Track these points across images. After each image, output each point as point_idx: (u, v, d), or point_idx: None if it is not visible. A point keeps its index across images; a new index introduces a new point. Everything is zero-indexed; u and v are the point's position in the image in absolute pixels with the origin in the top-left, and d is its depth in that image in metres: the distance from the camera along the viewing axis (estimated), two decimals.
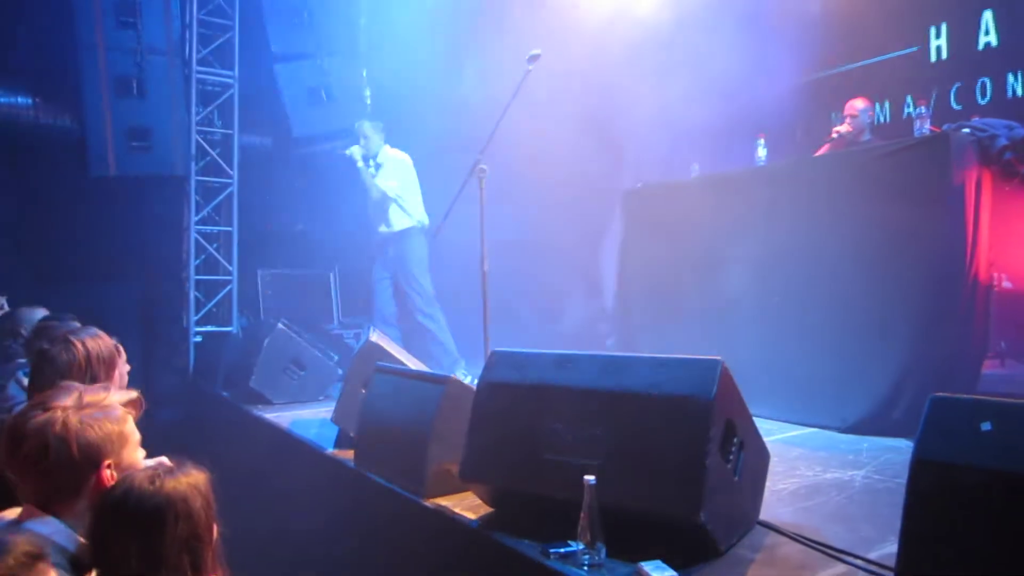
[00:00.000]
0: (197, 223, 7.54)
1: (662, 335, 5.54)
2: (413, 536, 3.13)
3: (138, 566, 1.50)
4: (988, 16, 6.24)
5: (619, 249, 6.45)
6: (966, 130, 4.38)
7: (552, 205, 6.99)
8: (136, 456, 1.79)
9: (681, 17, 6.42)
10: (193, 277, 7.50)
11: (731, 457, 2.41)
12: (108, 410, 1.75)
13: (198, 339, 7.45)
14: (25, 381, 2.76)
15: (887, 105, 6.95)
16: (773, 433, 4.10)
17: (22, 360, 3.37)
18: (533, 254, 7.31)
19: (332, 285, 8.35)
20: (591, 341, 7.06)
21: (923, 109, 4.53)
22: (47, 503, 1.65)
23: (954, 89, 6.46)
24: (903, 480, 1.85)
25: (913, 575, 1.80)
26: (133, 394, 1.89)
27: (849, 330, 4.33)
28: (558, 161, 6.64)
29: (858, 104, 5.97)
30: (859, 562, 2.26)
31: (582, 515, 2.25)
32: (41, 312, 3.99)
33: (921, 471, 1.81)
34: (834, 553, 2.33)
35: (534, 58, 4.45)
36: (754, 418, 2.65)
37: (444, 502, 3.02)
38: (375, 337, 4.38)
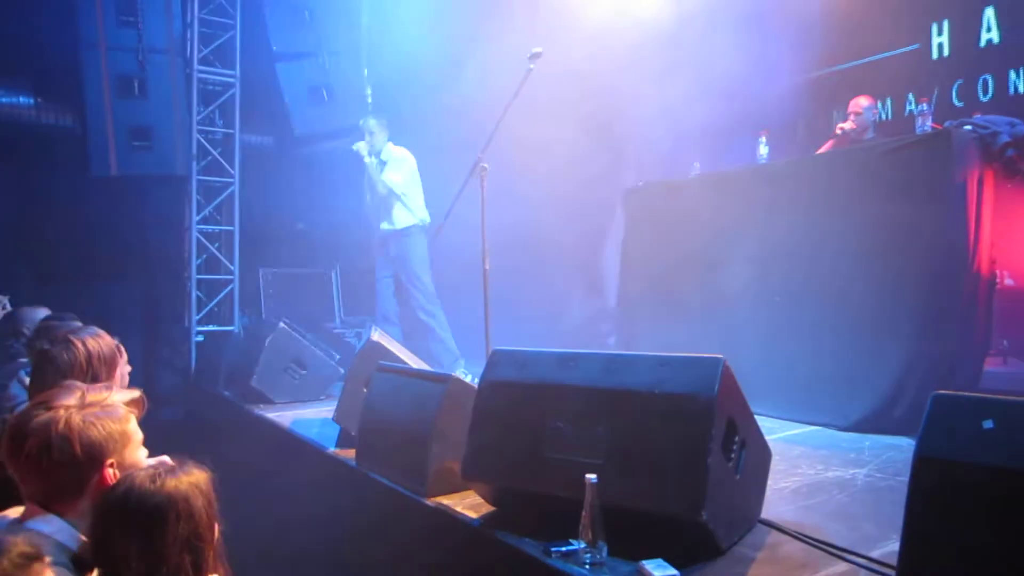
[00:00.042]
0: (199, 222, 7.55)
1: (664, 333, 5.53)
2: (415, 535, 3.13)
3: (139, 565, 1.50)
4: (990, 13, 6.23)
5: (620, 248, 6.44)
6: (968, 127, 4.37)
7: (553, 203, 6.99)
8: (138, 455, 1.79)
9: (682, 15, 6.41)
10: (195, 276, 7.51)
11: (733, 455, 2.41)
12: (111, 409, 1.75)
13: (200, 338, 7.46)
14: (27, 381, 2.76)
15: (889, 102, 6.94)
16: (775, 431, 4.10)
17: (24, 360, 3.37)
18: (534, 253, 7.31)
19: (334, 284, 8.35)
20: (592, 339, 7.07)
21: (925, 106, 4.52)
22: (49, 502, 1.65)
23: (956, 86, 6.45)
24: (905, 478, 1.85)
25: (915, 573, 1.80)
26: (136, 393, 1.89)
27: (851, 328, 4.33)
28: (559, 160, 6.64)
29: (862, 102, 5.96)
30: (861, 560, 2.26)
31: (584, 514, 2.25)
32: (43, 312, 4.00)
33: (923, 469, 1.81)
34: (836, 551, 2.33)
35: (535, 56, 4.44)
36: (756, 416, 2.65)
37: (446, 501, 3.02)
38: (377, 336, 4.38)
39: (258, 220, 7.92)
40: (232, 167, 7.68)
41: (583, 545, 2.26)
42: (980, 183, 4.22)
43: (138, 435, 1.81)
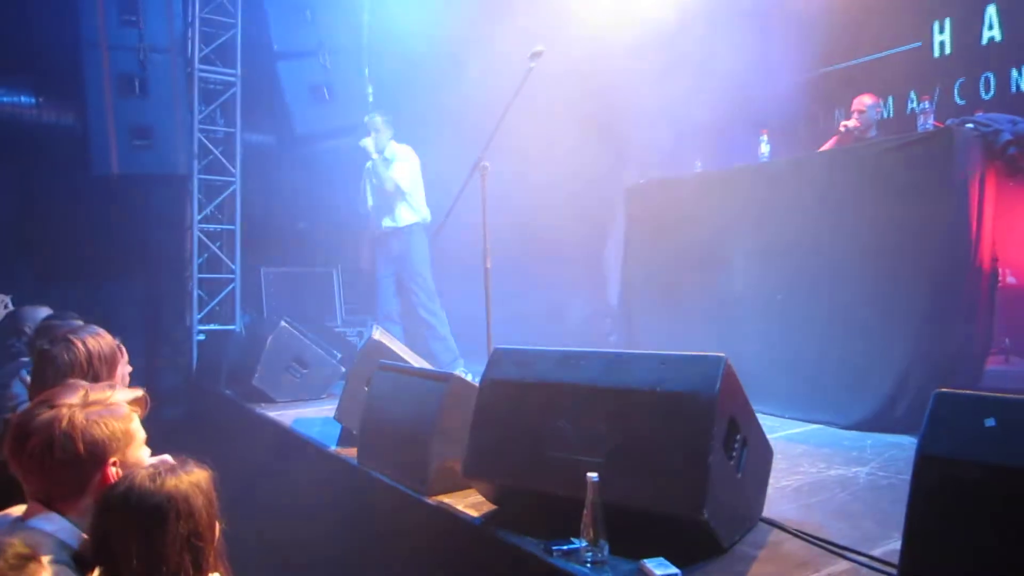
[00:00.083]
0: (200, 221, 7.54)
1: (665, 332, 5.53)
2: (416, 533, 3.13)
3: (139, 564, 1.50)
4: (992, 11, 6.22)
5: (622, 246, 6.44)
6: (970, 125, 4.37)
7: (555, 202, 6.98)
8: (141, 454, 1.79)
9: (684, 13, 6.41)
10: (196, 275, 7.51)
11: (734, 454, 2.41)
12: (114, 408, 1.75)
13: (201, 337, 7.46)
14: (29, 380, 2.76)
15: (890, 101, 6.94)
16: (776, 430, 4.10)
17: (26, 359, 3.37)
18: (536, 251, 7.31)
19: (335, 283, 8.35)
20: (594, 338, 7.06)
21: (926, 104, 4.52)
22: (52, 500, 1.65)
23: (957, 84, 6.44)
24: (907, 476, 1.85)
25: (916, 572, 1.80)
26: (138, 392, 1.89)
27: (852, 326, 4.33)
28: (561, 158, 6.64)
29: (866, 100, 5.95)
30: (862, 559, 2.26)
31: (585, 512, 2.24)
32: (44, 311, 4.00)
33: (925, 467, 1.81)
34: (837, 550, 2.33)
35: (536, 55, 4.44)
36: (757, 415, 2.65)
37: (447, 499, 3.02)
38: (378, 335, 4.38)
39: (259, 219, 7.92)
40: (233, 166, 7.68)
41: (584, 544, 2.26)
42: (982, 181, 4.22)
43: (141, 434, 1.81)
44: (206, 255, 7.67)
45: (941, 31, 6.59)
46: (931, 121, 4.49)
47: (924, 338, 4.05)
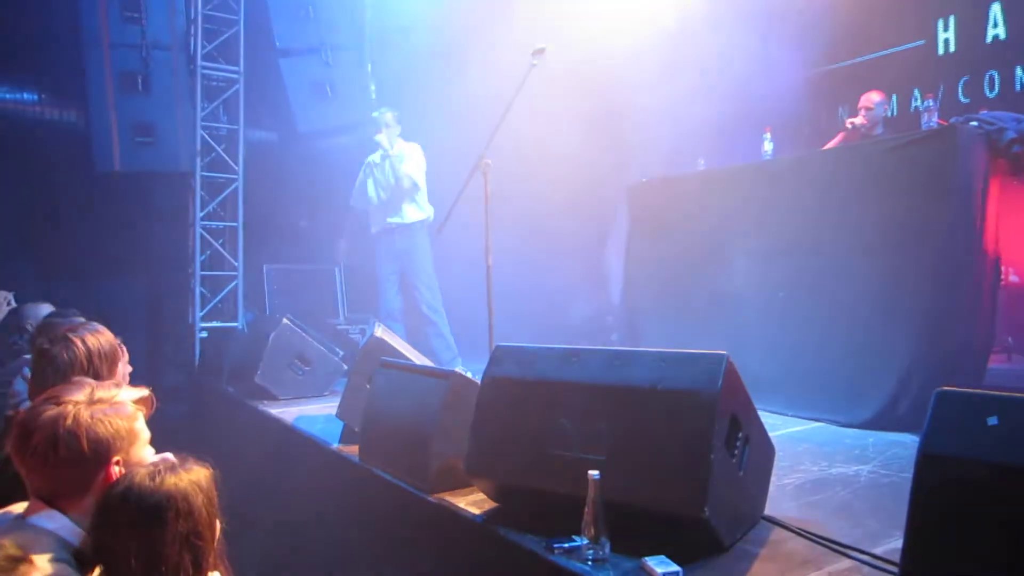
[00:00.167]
0: (202, 218, 7.55)
1: (667, 329, 5.53)
2: (417, 531, 3.13)
3: (139, 563, 1.49)
4: (996, 9, 6.20)
5: (624, 243, 6.43)
6: (974, 123, 4.36)
7: (557, 199, 6.98)
8: (144, 454, 1.78)
9: (686, 12, 6.40)
10: (199, 272, 7.51)
11: (736, 452, 2.40)
12: (119, 407, 1.74)
13: (203, 335, 7.47)
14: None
15: (894, 99, 6.92)
16: (778, 428, 4.09)
17: (28, 356, 3.37)
18: (538, 249, 7.31)
19: (337, 280, 8.35)
20: (596, 336, 7.06)
21: (930, 102, 4.51)
22: (54, 498, 1.65)
23: (962, 82, 6.42)
24: (909, 475, 1.85)
25: (918, 570, 1.79)
26: (144, 392, 1.88)
27: (855, 325, 4.32)
28: (563, 155, 6.63)
29: (874, 97, 5.93)
30: (864, 557, 2.26)
31: (586, 510, 2.24)
32: (46, 308, 4.01)
33: (927, 466, 1.80)
34: (839, 548, 2.33)
35: (539, 53, 4.43)
36: (759, 413, 2.64)
37: (448, 497, 3.02)
38: (380, 332, 4.38)
39: (262, 216, 7.92)
40: (236, 163, 7.68)
41: (586, 541, 2.25)
42: (986, 179, 4.21)
43: (145, 433, 1.80)
44: (208, 252, 7.67)
45: (946, 29, 6.57)
46: (935, 119, 4.48)
47: (926, 336, 4.04)
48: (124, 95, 7.02)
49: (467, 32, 7.09)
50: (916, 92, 6.77)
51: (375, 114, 6.51)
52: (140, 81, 7.09)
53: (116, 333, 2.60)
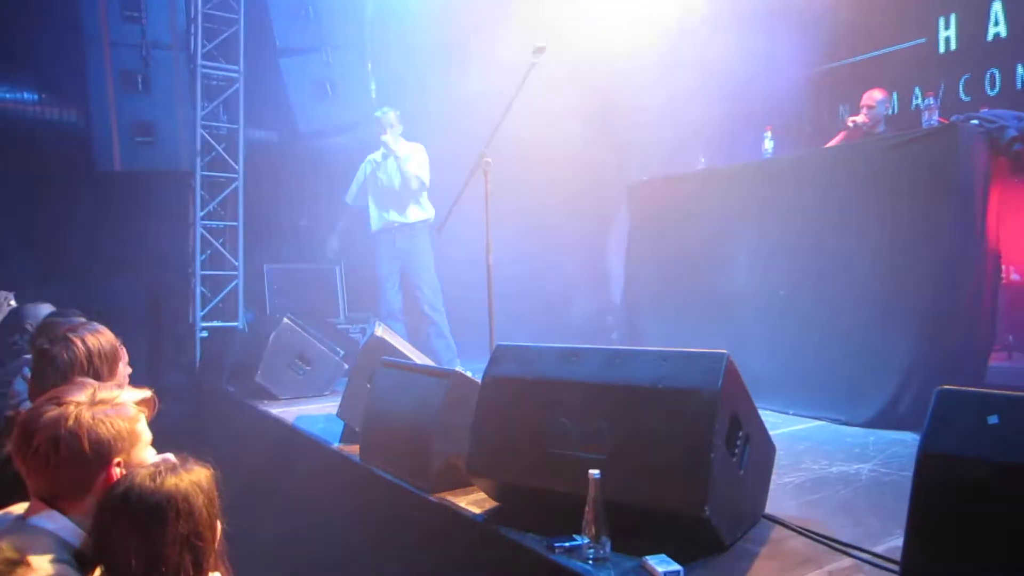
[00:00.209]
0: (203, 218, 7.54)
1: (668, 328, 5.53)
2: (418, 530, 3.13)
3: (139, 563, 1.49)
4: (997, 7, 6.20)
5: (625, 242, 6.43)
6: (975, 121, 4.35)
7: (558, 198, 6.98)
8: (146, 456, 1.78)
9: (687, 10, 6.39)
10: (199, 272, 7.51)
11: (736, 451, 2.40)
12: (121, 408, 1.74)
13: (204, 334, 7.46)
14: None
15: (895, 97, 6.91)
16: (779, 426, 4.09)
17: (28, 356, 3.37)
18: (538, 247, 7.31)
19: (338, 279, 8.34)
20: (597, 335, 7.06)
21: (931, 101, 4.51)
22: (55, 499, 1.65)
23: (963, 80, 6.42)
24: (909, 473, 1.84)
25: (919, 569, 1.79)
26: (147, 393, 1.88)
27: (855, 323, 4.32)
28: (564, 154, 6.63)
29: (876, 95, 5.93)
30: (865, 556, 2.25)
31: (587, 509, 2.24)
32: (47, 308, 4.00)
33: (927, 464, 1.80)
34: (840, 547, 2.32)
35: (539, 51, 4.43)
36: (760, 411, 2.64)
37: (449, 496, 3.02)
38: (380, 331, 4.38)
39: (262, 215, 7.92)
40: (236, 162, 7.67)
41: (586, 541, 2.25)
42: (987, 178, 4.20)
43: (147, 435, 1.80)
44: (209, 252, 7.67)
45: (947, 27, 6.56)
46: (936, 117, 4.47)
47: (927, 335, 4.04)
48: (124, 94, 7.01)
49: (467, 31, 7.08)
50: (917, 90, 6.77)
51: (378, 114, 6.51)
52: (140, 80, 7.08)
53: (116, 333, 2.59)
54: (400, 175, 6.35)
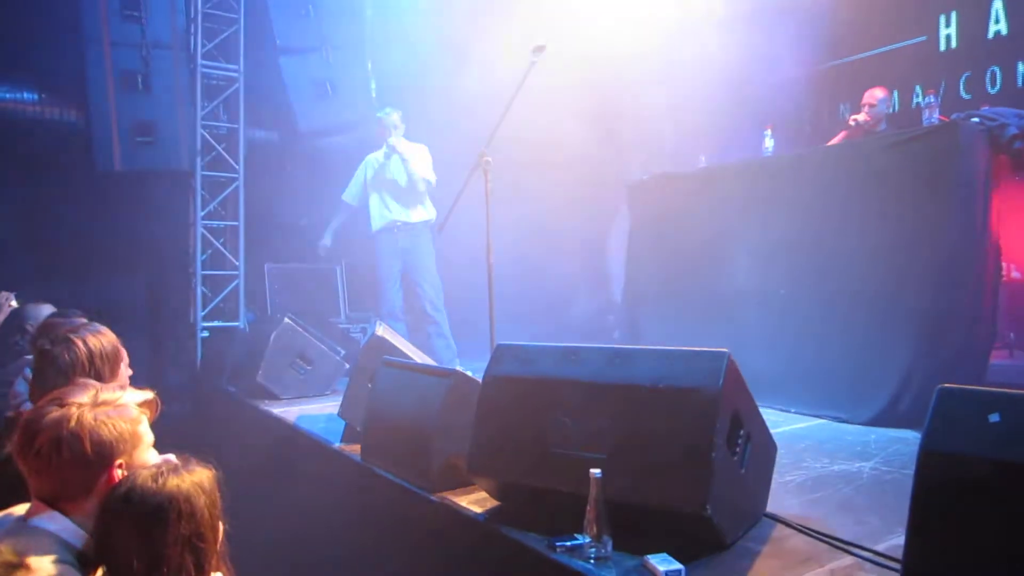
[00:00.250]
0: (203, 218, 7.54)
1: (669, 327, 5.53)
2: (420, 530, 3.13)
3: (140, 564, 1.50)
4: (998, 4, 6.19)
5: (626, 241, 6.43)
6: (975, 119, 4.35)
7: (558, 197, 6.97)
8: (148, 457, 1.78)
9: (687, 8, 6.39)
10: (200, 272, 7.51)
11: (738, 449, 2.40)
12: (123, 409, 1.74)
13: (205, 334, 7.46)
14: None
15: (896, 95, 6.91)
16: (780, 425, 4.09)
17: (29, 357, 3.37)
18: (539, 247, 7.31)
19: (339, 279, 8.34)
20: (598, 333, 7.06)
21: (932, 99, 4.51)
22: (57, 500, 1.65)
23: (963, 78, 6.42)
24: (911, 472, 1.84)
25: (920, 567, 1.79)
26: (149, 395, 1.88)
27: (856, 322, 4.32)
28: (564, 153, 6.63)
29: (877, 93, 5.93)
30: (866, 554, 2.26)
31: (588, 508, 2.24)
32: (48, 308, 4.00)
33: (929, 462, 1.80)
34: (841, 545, 2.33)
35: (539, 50, 4.42)
36: (761, 410, 2.64)
37: (450, 496, 3.02)
38: (381, 331, 4.38)
39: (263, 215, 7.91)
40: (236, 162, 7.67)
41: (588, 540, 2.25)
42: (987, 175, 4.20)
43: (149, 437, 1.80)
44: (209, 252, 7.67)
45: (947, 25, 6.56)
46: (936, 115, 4.48)
47: (928, 333, 4.04)
48: (124, 94, 7.01)
49: (467, 30, 7.08)
50: (918, 88, 6.76)
51: (380, 115, 6.51)
52: (140, 80, 7.08)
53: (117, 333, 2.59)
54: (406, 175, 6.35)
